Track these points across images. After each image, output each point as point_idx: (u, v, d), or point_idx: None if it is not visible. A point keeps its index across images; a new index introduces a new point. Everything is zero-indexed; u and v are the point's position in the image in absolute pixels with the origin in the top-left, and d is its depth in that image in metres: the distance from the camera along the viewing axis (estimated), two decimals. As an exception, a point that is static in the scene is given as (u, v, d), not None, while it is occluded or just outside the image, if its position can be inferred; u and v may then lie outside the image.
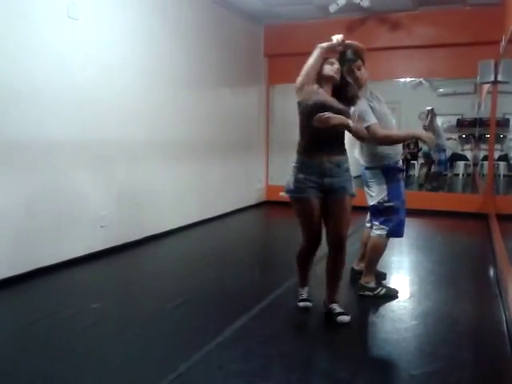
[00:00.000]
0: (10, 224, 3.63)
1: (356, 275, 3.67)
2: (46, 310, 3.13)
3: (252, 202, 7.62)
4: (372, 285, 3.41)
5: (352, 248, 3.46)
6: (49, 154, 3.92)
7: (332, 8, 6.21)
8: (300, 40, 7.25)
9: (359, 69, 3.22)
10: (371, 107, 3.19)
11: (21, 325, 2.91)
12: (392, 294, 3.40)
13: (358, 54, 3.19)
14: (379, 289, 3.40)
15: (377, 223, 3.36)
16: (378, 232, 3.35)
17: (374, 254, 3.41)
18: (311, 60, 2.78)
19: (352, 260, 3.72)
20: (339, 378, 2.27)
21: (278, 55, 7.64)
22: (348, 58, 3.13)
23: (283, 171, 8.92)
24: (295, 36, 7.28)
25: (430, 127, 8.29)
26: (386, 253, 4.31)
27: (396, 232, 3.36)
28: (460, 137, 11.51)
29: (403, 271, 4.25)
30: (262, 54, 7.73)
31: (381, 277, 3.68)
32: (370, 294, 3.38)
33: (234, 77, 6.91)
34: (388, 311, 3.18)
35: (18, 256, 3.71)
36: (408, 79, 8.87)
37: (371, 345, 2.66)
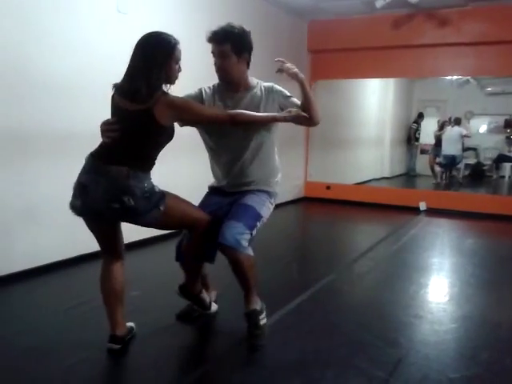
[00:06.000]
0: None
1: None
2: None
3: (291, 197, 7.62)
4: None
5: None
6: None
7: (379, 4, 6.11)
8: (344, 36, 7.18)
9: None
10: None
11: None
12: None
13: None
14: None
15: None
16: None
17: None
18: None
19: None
20: (375, 376, 2.26)
21: (321, 51, 7.58)
22: None
23: (323, 168, 8.87)
24: (339, 32, 7.19)
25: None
26: (426, 254, 4.25)
27: None
28: (507, 137, 11.16)
29: (444, 273, 4.16)
30: (305, 50, 7.68)
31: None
32: None
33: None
34: (427, 313, 3.13)
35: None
36: (455, 77, 8.65)
37: (409, 346, 2.62)
